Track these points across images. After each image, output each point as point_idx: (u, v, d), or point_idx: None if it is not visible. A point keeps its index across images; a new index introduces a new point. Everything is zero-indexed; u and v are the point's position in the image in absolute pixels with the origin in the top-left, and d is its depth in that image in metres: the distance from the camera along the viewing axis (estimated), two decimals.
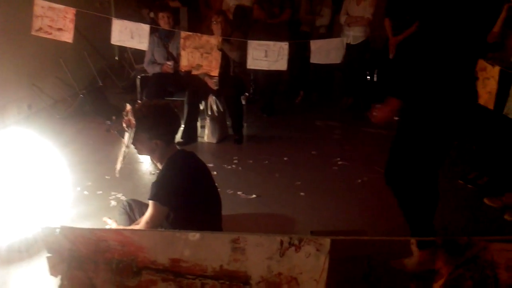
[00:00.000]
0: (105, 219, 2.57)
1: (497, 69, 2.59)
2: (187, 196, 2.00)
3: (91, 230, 1.15)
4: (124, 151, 2.04)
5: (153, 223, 1.98)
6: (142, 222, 2.00)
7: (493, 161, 3.18)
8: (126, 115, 1.98)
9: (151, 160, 2.12)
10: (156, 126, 1.98)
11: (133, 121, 1.94)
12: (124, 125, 1.98)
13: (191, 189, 2.02)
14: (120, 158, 2.09)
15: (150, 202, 1.97)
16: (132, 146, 2.03)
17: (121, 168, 2.14)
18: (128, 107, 1.99)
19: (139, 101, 2.10)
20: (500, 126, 2.85)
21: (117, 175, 2.17)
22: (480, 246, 0.93)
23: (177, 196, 1.98)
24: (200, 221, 2.08)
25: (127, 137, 2.00)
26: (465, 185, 3.24)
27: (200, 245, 1.07)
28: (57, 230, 1.11)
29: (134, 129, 1.95)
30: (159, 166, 2.09)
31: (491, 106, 2.64)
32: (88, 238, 1.12)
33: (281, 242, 1.08)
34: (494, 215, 2.86)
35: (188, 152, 2.18)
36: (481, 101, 2.75)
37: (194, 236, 1.05)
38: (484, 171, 3.24)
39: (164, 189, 1.96)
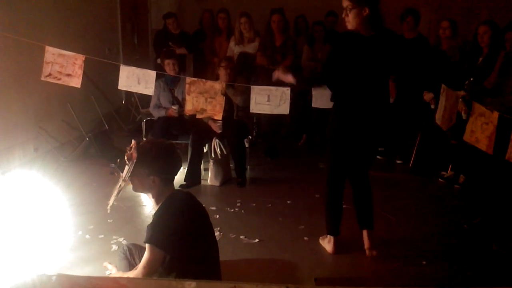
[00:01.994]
0: (106, 264, 2.54)
1: (495, 114, 2.62)
2: (183, 238, 1.96)
3: (87, 278, 1.13)
4: (120, 185, 2.02)
5: (150, 268, 1.93)
6: (139, 267, 1.96)
7: (497, 206, 3.14)
8: (130, 149, 1.98)
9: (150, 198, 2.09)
10: (156, 162, 1.96)
11: (134, 154, 1.95)
12: (125, 158, 1.98)
13: (188, 231, 1.98)
14: (115, 193, 2.06)
15: (147, 246, 1.93)
16: (128, 181, 2.00)
17: (113, 204, 2.09)
18: (133, 142, 2.01)
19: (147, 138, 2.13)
20: (503, 171, 2.85)
21: (108, 211, 2.13)
22: None
23: (174, 239, 1.94)
24: (197, 264, 2.04)
25: (126, 170, 1.98)
26: (471, 231, 3.19)
27: None
28: (54, 278, 1.09)
29: (134, 162, 1.94)
30: (155, 206, 2.06)
31: (490, 151, 2.65)
32: (83, 286, 1.10)
33: None
34: (503, 261, 2.79)
35: (185, 193, 2.15)
36: (481, 146, 2.76)
37: (190, 285, 1.03)
38: (489, 216, 3.19)
39: (160, 232, 1.92)
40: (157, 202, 2.05)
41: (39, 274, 1.08)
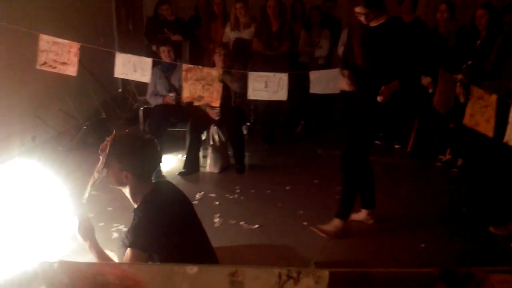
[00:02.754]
0: (106, 252, 2.55)
1: (494, 97, 2.62)
2: (168, 237, 1.86)
3: (89, 264, 1.13)
4: (94, 177, 1.91)
5: None
6: None
7: (495, 189, 3.17)
8: (106, 141, 1.86)
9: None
10: (128, 157, 1.83)
11: (108, 145, 1.82)
12: (99, 148, 1.86)
13: (171, 229, 1.87)
14: (90, 184, 1.95)
15: (129, 249, 1.82)
16: (102, 173, 1.89)
17: (91, 194, 2.00)
18: (114, 132, 1.89)
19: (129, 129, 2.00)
20: (501, 154, 2.86)
21: (84, 202, 2.03)
22: (480, 277, 0.92)
23: (159, 240, 1.83)
24: (187, 259, 1.94)
25: (100, 162, 1.87)
26: (469, 213, 3.22)
27: (198, 279, 1.05)
28: (55, 265, 1.10)
29: (106, 154, 1.82)
30: (133, 203, 1.94)
31: (490, 133, 2.66)
32: (86, 272, 1.10)
33: (280, 275, 1.06)
34: (500, 244, 2.83)
35: (165, 187, 2.03)
36: (481, 129, 2.77)
37: (192, 269, 1.03)
38: (487, 199, 3.22)
39: (143, 235, 1.81)
40: (133, 199, 1.93)
41: (41, 261, 1.08)
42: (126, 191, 1.93)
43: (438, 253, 2.73)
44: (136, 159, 1.84)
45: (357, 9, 2.61)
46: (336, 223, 2.92)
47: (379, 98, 2.63)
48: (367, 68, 2.71)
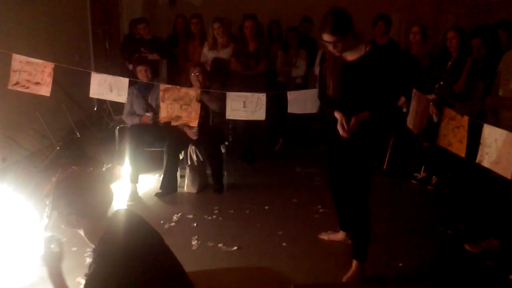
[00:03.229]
0: (79, 279, 2.47)
1: (466, 118, 2.70)
2: (130, 277, 1.73)
3: None
4: (45, 221, 1.77)
5: None
6: None
7: (469, 207, 3.23)
8: (51, 183, 1.73)
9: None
10: (75, 199, 1.70)
11: (50, 190, 1.71)
12: (44, 194, 1.74)
13: (134, 268, 1.75)
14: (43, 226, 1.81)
15: None
16: (52, 217, 1.75)
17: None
18: (58, 173, 1.75)
19: (73, 168, 1.83)
20: (473, 172, 2.93)
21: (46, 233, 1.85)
22: None
23: (118, 283, 1.70)
24: None
25: (46, 207, 1.73)
26: (445, 231, 3.27)
27: None
28: None
29: (50, 200, 1.71)
30: (90, 244, 1.82)
31: (462, 154, 2.73)
32: None
33: None
34: (475, 261, 2.87)
35: (122, 220, 1.85)
36: (454, 149, 2.84)
37: None
38: (461, 216, 3.28)
39: (103, 280, 1.69)
40: (90, 241, 1.81)
41: None
42: (81, 232, 1.81)
43: (416, 272, 2.75)
44: (84, 201, 1.71)
45: (324, 37, 2.34)
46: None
47: (343, 133, 2.47)
48: (341, 100, 2.53)
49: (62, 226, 1.78)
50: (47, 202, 1.73)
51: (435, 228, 3.32)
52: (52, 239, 1.82)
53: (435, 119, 3.41)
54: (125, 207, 2.28)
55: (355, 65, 2.43)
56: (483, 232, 3.01)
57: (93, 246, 1.81)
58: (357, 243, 2.63)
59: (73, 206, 1.71)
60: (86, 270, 1.80)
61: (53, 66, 3.42)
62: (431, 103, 3.38)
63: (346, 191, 2.75)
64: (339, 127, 2.49)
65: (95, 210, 1.75)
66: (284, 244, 3.09)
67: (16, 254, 2.65)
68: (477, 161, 2.51)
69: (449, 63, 3.66)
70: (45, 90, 3.47)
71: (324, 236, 3.12)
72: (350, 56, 2.45)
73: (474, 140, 2.68)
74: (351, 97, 2.48)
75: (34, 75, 3.41)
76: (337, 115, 2.51)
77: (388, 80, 2.45)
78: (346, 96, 2.50)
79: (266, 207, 3.72)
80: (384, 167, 4.65)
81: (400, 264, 2.82)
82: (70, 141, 4.95)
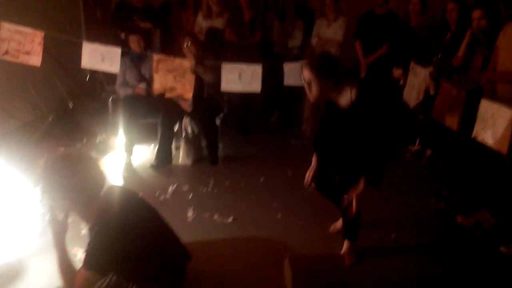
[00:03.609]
0: (75, 250, 2.49)
1: (462, 93, 2.68)
2: (127, 255, 1.80)
3: None
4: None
5: (87, 287, 1.82)
6: (76, 283, 1.80)
7: (462, 180, 3.26)
8: (39, 168, 1.71)
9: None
10: (64, 186, 1.70)
11: (42, 178, 1.70)
12: (34, 179, 1.76)
13: (131, 246, 1.80)
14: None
15: (83, 270, 1.77)
16: (46, 203, 1.77)
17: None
18: (45, 157, 1.74)
19: (60, 149, 1.79)
20: (467, 146, 2.95)
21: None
22: None
23: (115, 261, 1.78)
24: (156, 265, 1.97)
25: (38, 192, 1.74)
26: (437, 203, 3.31)
27: None
28: None
29: (43, 187, 1.71)
30: (85, 224, 1.87)
31: (455, 127, 2.72)
32: None
33: None
34: (467, 233, 2.93)
35: (116, 200, 1.89)
36: (448, 123, 2.83)
37: None
38: (454, 189, 3.32)
39: (100, 259, 1.76)
40: (85, 221, 1.85)
41: None
42: (75, 215, 1.84)
43: (408, 244, 2.81)
44: (72, 187, 1.70)
45: (304, 72, 2.19)
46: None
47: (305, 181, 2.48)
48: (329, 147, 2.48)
49: (60, 210, 1.79)
50: (38, 187, 1.71)
51: (428, 200, 3.37)
52: (55, 208, 1.83)
53: (431, 91, 3.39)
54: (117, 183, 2.26)
55: (347, 112, 2.26)
56: (476, 205, 3.05)
57: (89, 226, 1.83)
58: (348, 225, 2.60)
59: (64, 191, 1.70)
60: (82, 242, 1.83)
61: (43, 35, 3.33)
62: (428, 76, 3.35)
63: (336, 192, 2.58)
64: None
65: (85, 194, 1.75)
66: (279, 215, 3.12)
67: (15, 225, 2.65)
68: (472, 135, 2.51)
69: (448, 35, 3.61)
70: (35, 60, 3.40)
71: (333, 229, 2.94)
72: (343, 100, 2.26)
73: (470, 115, 2.68)
74: (338, 146, 2.44)
75: (24, 44, 3.33)
76: (313, 160, 2.52)
77: (377, 131, 2.24)
78: (334, 143, 2.45)
79: (261, 179, 3.74)
80: None
81: (393, 236, 2.87)
82: (62, 112, 4.88)
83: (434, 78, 3.30)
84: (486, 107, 2.49)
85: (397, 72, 4.11)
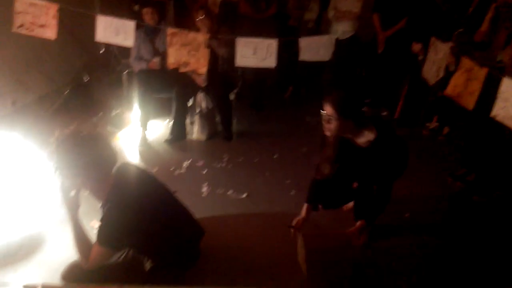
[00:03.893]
0: (93, 222, 2.54)
1: (484, 70, 2.59)
2: (139, 230, 1.83)
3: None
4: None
5: (101, 262, 1.88)
6: (92, 256, 1.85)
7: (480, 159, 3.21)
8: (51, 145, 1.72)
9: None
10: (77, 164, 1.71)
11: (54, 156, 1.72)
12: (47, 156, 1.74)
13: (143, 218, 1.83)
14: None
15: (97, 245, 1.82)
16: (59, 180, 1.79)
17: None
18: (56, 133, 1.74)
19: (70, 127, 1.78)
20: (485, 126, 2.87)
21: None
22: None
23: (128, 236, 1.82)
24: (168, 240, 2.00)
25: (52, 169, 1.76)
26: (454, 182, 3.27)
27: None
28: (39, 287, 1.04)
29: (55, 164, 1.73)
30: (98, 200, 1.89)
31: (470, 107, 2.65)
32: None
33: None
34: (483, 212, 2.90)
35: (127, 177, 1.92)
36: (462, 100, 2.75)
37: None
38: (471, 168, 3.27)
39: (114, 234, 1.80)
40: (97, 198, 1.88)
41: (24, 284, 1.04)
42: (88, 192, 1.87)
43: (421, 222, 2.79)
44: (85, 164, 1.71)
45: (325, 108, 2.22)
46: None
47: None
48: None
49: (72, 187, 1.81)
50: (52, 164, 1.73)
51: (444, 179, 3.32)
52: (66, 186, 1.85)
53: (451, 67, 3.29)
54: (130, 160, 2.29)
55: (366, 150, 2.29)
56: (493, 185, 3.00)
57: (101, 203, 1.86)
58: (372, 214, 2.51)
59: (75, 168, 1.72)
60: (99, 215, 1.88)
61: (57, 7, 3.30)
62: (449, 51, 3.24)
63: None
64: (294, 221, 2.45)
65: (98, 171, 1.76)
66: (292, 192, 3.12)
67: (34, 198, 2.72)
68: (491, 115, 2.44)
69: (471, 9, 3.46)
70: (51, 33, 3.38)
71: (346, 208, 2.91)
72: (360, 140, 2.30)
73: (490, 93, 2.59)
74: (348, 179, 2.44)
75: (39, 17, 3.31)
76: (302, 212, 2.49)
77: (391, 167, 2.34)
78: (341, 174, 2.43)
79: (275, 156, 3.73)
80: (396, 116, 4.58)
81: (407, 215, 2.86)
82: (78, 85, 4.91)
83: (455, 54, 3.19)
84: (508, 86, 2.40)
85: (416, 47, 4.00)
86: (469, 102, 2.69)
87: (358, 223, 2.50)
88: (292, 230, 2.44)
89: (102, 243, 1.82)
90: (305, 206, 2.51)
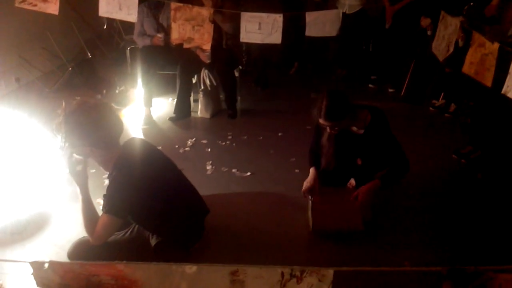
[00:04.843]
0: (99, 200, 2.56)
1: (496, 45, 2.52)
2: (145, 199, 1.88)
3: (82, 265, 1.09)
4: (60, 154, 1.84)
5: (109, 234, 1.93)
6: (98, 229, 1.89)
7: (487, 137, 3.17)
8: (59, 117, 1.76)
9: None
10: (85, 132, 1.76)
11: (62, 127, 1.75)
12: (55, 128, 1.78)
13: (148, 190, 1.88)
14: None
15: (104, 215, 1.86)
16: (66, 149, 1.82)
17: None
18: (63, 106, 1.78)
19: (77, 98, 1.84)
20: (496, 103, 2.83)
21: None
22: (487, 276, 0.91)
23: (134, 204, 1.86)
24: (171, 213, 2.03)
25: (59, 140, 1.80)
26: (459, 160, 3.25)
27: (197, 278, 1.03)
28: (46, 265, 1.06)
29: (63, 135, 1.77)
30: (105, 170, 1.93)
31: (489, 83, 2.59)
32: (79, 273, 1.07)
33: (282, 274, 1.03)
34: (486, 190, 2.88)
35: (134, 148, 1.96)
36: (480, 77, 2.69)
37: (191, 268, 1.01)
38: (477, 146, 3.23)
39: (118, 202, 1.84)
40: (104, 168, 1.92)
41: (31, 261, 1.05)
42: (95, 161, 1.90)
43: (426, 200, 2.78)
44: (94, 133, 1.76)
45: (321, 120, 2.30)
46: None
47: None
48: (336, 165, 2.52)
49: (80, 156, 1.85)
50: (59, 135, 1.77)
51: (449, 156, 3.30)
52: (73, 160, 1.88)
53: (460, 43, 3.21)
54: (137, 136, 2.30)
55: (361, 136, 2.40)
56: (498, 164, 2.98)
57: (108, 172, 1.90)
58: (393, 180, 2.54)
59: (85, 138, 1.76)
60: (104, 192, 1.91)
61: None
62: (459, 26, 3.16)
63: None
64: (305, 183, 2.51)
65: (106, 139, 1.82)
66: (296, 170, 3.12)
67: (41, 176, 2.73)
68: (502, 91, 2.38)
69: None
70: (53, 8, 3.32)
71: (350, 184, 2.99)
72: (356, 126, 2.41)
73: (501, 69, 2.53)
74: (349, 164, 2.49)
75: None
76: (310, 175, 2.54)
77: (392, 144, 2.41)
78: (342, 162, 2.49)
79: (280, 134, 3.71)
80: (402, 92, 4.52)
81: (411, 192, 2.85)
82: (81, 61, 4.87)
83: (465, 29, 3.11)
84: None
85: (425, 22, 3.89)
86: (487, 78, 2.63)
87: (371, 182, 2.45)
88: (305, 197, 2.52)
89: (107, 211, 1.85)
90: (311, 170, 2.56)
